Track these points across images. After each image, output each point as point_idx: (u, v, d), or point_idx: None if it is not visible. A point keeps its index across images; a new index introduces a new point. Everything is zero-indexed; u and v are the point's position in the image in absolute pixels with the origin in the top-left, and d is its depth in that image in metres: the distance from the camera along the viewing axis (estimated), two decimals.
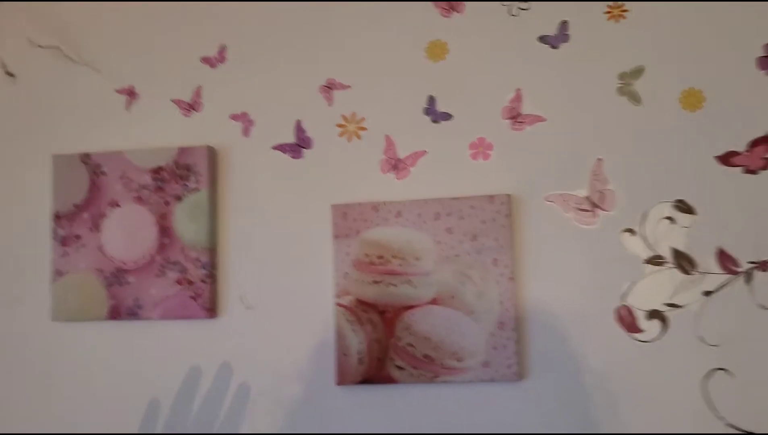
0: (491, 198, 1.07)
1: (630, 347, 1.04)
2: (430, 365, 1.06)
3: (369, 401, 1.09)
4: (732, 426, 1.00)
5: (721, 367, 1.01)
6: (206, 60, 1.20)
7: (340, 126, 1.16)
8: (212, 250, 1.14)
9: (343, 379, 1.08)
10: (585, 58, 1.10)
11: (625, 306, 1.05)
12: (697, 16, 1.08)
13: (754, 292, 1.01)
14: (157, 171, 1.16)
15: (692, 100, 1.06)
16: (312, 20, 1.18)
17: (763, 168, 1.04)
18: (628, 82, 1.08)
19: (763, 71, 1.05)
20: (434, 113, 1.13)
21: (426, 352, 1.06)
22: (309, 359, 1.11)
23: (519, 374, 1.04)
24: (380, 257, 1.09)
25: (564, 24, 1.11)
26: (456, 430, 1.06)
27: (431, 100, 1.14)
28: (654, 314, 1.04)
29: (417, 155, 1.13)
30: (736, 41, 1.06)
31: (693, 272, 1.03)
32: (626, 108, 1.08)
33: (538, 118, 1.10)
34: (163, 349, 1.15)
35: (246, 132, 1.18)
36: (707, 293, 1.03)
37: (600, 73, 1.09)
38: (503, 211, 1.07)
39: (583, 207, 1.08)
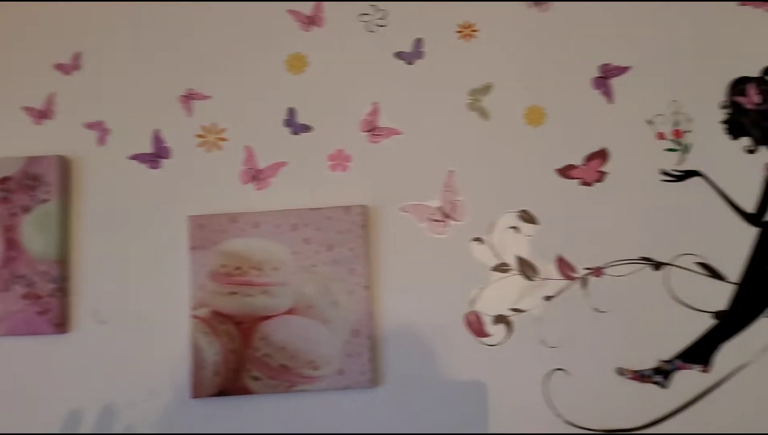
0: (347, 209, 1.10)
1: (478, 351, 1.09)
2: (286, 375, 1.07)
3: (225, 413, 1.08)
4: (569, 423, 1.07)
5: (559, 367, 1.08)
6: (60, 67, 1.16)
7: (199, 136, 1.15)
8: (63, 262, 1.10)
9: (198, 391, 1.07)
10: (438, 74, 1.15)
11: (473, 312, 1.10)
12: (540, 39, 1.15)
13: (590, 296, 1.09)
14: (2, 181, 1.11)
15: (535, 116, 1.13)
16: (172, 29, 1.17)
17: (598, 180, 1.12)
18: (477, 99, 1.14)
19: (598, 90, 1.13)
20: (294, 125, 1.15)
21: (282, 361, 1.07)
22: (164, 373, 1.09)
23: (373, 381, 1.07)
24: (238, 268, 1.09)
25: (419, 41, 1.16)
26: None
27: (291, 112, 1.15)
28: (500, 319, 1.09)
29: (277, 166, 1.14)
30: (574, 62, 1.14)
31: (535, 278, 1.10)
32: (476, 123, 1.14)
33: (394, 131, 1.14)
34: (8, 368, 1.10)
35: (101, 141, 1.15)
36: (548, 298, 1.09)
37: (452, 89, 1.14)
38: (359, 221, 1.09)
39: (435, 217, 1.12)
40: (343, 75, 1.16)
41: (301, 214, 1.10)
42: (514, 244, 1.11)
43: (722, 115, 1.12)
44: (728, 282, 1.08)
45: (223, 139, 1.15)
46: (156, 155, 1.14)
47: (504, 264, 1.10)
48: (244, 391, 1.07)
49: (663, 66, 1.13)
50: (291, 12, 1.17)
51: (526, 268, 1.10)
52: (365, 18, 1.17)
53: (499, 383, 1.08)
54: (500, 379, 1.08)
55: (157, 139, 1.15)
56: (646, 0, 1.14)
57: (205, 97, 1.16)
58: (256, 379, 1.07)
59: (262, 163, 1.14)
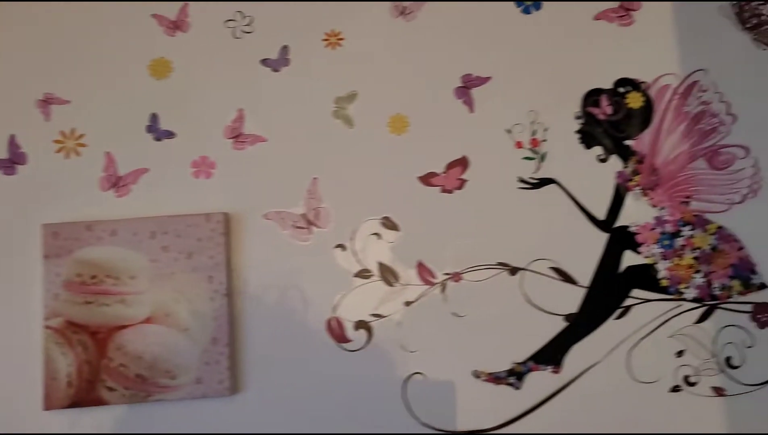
0: (208, 216, 1.09)
1: (340, 357, 1.10)
2: (142, 385, 1.05)
3: (78, 425, 1.06)
4: (426, 425, 1.09)
5: (418, 371, 1.10)
6: None
7: (57, 142, 1.12)
8: None
9: (50, 403, 1.04)
10: (304, 82, 1.15)
11: (335, 318, 1.11)
12: (405, 49, 1.17)
13: (448, 301, 1.11)
14: None
15: (398, 124, 1.15)
16: (29, 30, 1.14)
17: (458, 188, 1.14)
18: (342, 106, 1.15)
19: (459, 100, 1.16)
20: (157, 131, 1.13)
21: (139, 371, 1.06)
22: (15, 385, 1.06)
23: (232, 389, 1.07)
24: (93, 277, 1.07)
25: (285, 48, 1.16)
26: None
27: (154, 117, 1.13)
28: (361, 324, 1.11)
29: (138, 173, 1.12)
30: (438, 72, 1.16)
31: (396, 284, 1.12)
32: (340, 130, 1.15)
33: (259, 138, 1.14)
34: None
35: None
36: (408, 303, 1.11)
37: (317, 97, 1.15)
38: (219, 229, 1.09)
39: (299, 224, 1.12)
40: (208, 81, 1.15)
41: (159, 221, 1.09)
42: (376, 251, 1.12)
43: (577, 125, 1.16)
44: (579, 286, 1.12)
45: (82, 145, 1.12)
46: (11, 161, 1.11)
47: (366, 270, 1.12)
48: (99, 402, 1.05)
49: (521, 77, 1.17)
50: (155, 16, 1.16)
51: (388, 274, 1.12)
52: (231, 24, 1.16)
53: (360, 388, 1.09)
54: (361, 383, 1.09)
55: (13, 145, 1.11)
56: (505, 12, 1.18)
57: (65, 102, 1.13)
58: (112, 389, 1.05)
59: (122, 170, 1.12)
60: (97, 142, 1.12)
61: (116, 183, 1.12)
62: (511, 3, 1.18)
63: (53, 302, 1.06)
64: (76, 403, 1.05)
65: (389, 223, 1.13)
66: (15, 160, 1.11)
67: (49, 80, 1.13)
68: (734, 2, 1.19)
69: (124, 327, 1.06)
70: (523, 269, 1.12)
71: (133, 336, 1.06)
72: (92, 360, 1.05)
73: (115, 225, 1.08)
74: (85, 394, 1.05)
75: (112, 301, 1.07)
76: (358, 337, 1.10)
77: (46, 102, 1.13)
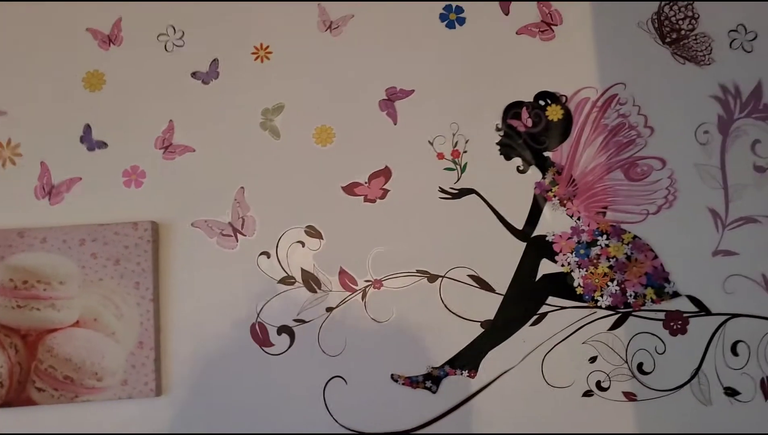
0: (135, 224, 1.13)
1: (263, 360, 1.14)
2: (70, 386, 1.10)
3: (8, 425, 1.10)
4: (345, 427, 1.13)
5: (338, 374, 1.14)
6: None
7: None
8: None
9: None
10: (232, 94, 1.19)
11: (259, 323, 1.15)
12: (331, 62, 1.20)
13: (368, 307, 1.15)
14: None
15: (324, 135, 1.19)
16: None
17: (381, 197, 1.18)
18: (269, 118, 1.19)
19: (383, 112, 1.20)
20: (90, 141, 1.18)
21: (67, 373, 1.10)
22: None
23: (157, 391, 1.11)
24: (25, 282, 1.11)
25: (215, 62, 1.20)
26: None
27: (87, 128, 1.18)
28: (283, 329, 1.15)
29: (72, 182, 1.17)
30: (363, 85, 1.20)
31: (318, 291, 1.16)
32: (267, 141, 1.19)
33: (188, 149, 1.18)
34: None
35: None
36: (329, 309, 1.15)
37: (245, 109, 1.19)
38: (146, 236, 1.13)
39: (225, 232, 1.17)
40: (140, 93, 1.19)
41: (89, 229, 1.13)
42: (300, 258, 1.16)
43: (497, 137, 1.20)
44: (497, 293, 1.16)
45: (18, 155, 1.17)
46: None
47: (289, 277, 1.16)
48: (29, 402, 1.10)
49: (444, 90, 1.20)
50: (90, 30, 1.20)
51: (310, 281, 1.16)
52: (163, 38, 1.20)
53: (282, 391, 1.13)
54: (283, 387, 1.13)
55: None
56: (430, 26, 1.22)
57: (1, 113, 1.17)
58: (41, 390, 1.10)
59: (56, 179, 1.17)
60: (33, 152, 1.17)
61: (50, 191, 1.16)
62: (436, 18, 1.22)
63: None
64: (7, 403, 1.09)
65: (313, 232, 1.17)
66: None
67: None
68: (654, 17, 1.22)
69: (54, 330, 1.11)
70: (442, 277, 1.16)
71: (63, 339, 1.11)
72: (23, 362, 1.10)
73: (46, 232, 1.12)
74: (16, 395, 1.10)
75: (43, 305, 1.11)
76: (281, 341, 1.14)
77: None
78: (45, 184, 1.16)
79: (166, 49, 1.20)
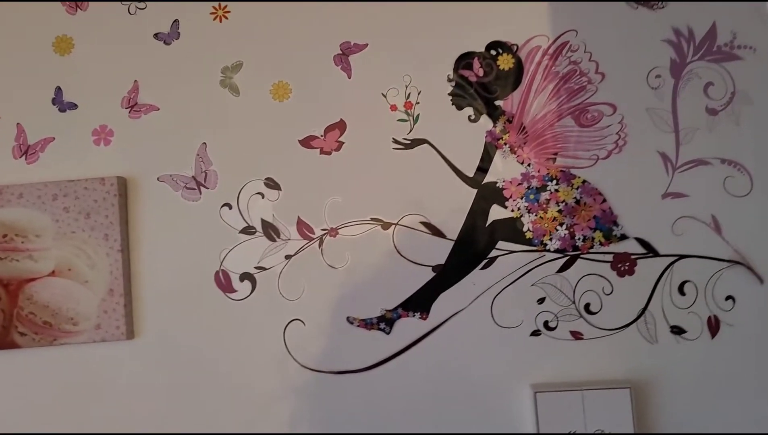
0: (102, 180, 1.20)
1: (226, 306, 1.21)
2: (49, 330, 1.19)
3: None
4: (304, 366, 1.20)
5: (297, 318, 1.20)
6: None
7: None
8: None
9: None
10: (193, 53, 1.24)
11: (223, 270, 1.22)
12: (287, 19, 1.24)
13: (325, 254, 1.21)
14: None
15: (281, 91, 1.23)
16: None
17: (336, 150, 1.22)
18: (229, 76, 1.24)
19: (338, 66, 1.23)
20: (61, 103, 1.24)
21: (46, 318, 1.19)
22: None
23: (128, 334, 1.19)
24: (4, 236, 1.20)
25: (176, 23, 1.25)
26: (74, 385, 1.20)
27: (58, 90, 1.25)
28: (245, 276, 1.21)
29: (46, 141, 1.24)
30: (317, 41, 1.24)
31: (278, 239, 1.21)
32: (227, 98, 1.24)
33: (153, 107, 1.24)
34: None
35: None
36: (288, 257, 1.21)
37: (206, 67, 1.24)
38: (113, 191, 1.20)
39: (189, 185, 1.23)
40: (107, 55, 1.25)
41: (61, 185, 1.21)
42: (260, 209, 1.22)
43: (449, 87, 1.22)
44: (448, 239, 1.20)
45: None
46: None
47: (250, 227, 1.22)
48: (13, 345, 1.19)
49: (397, 44, 1.23)
50: None
51: (270, 230, 1.22)
52: (126, 2, 1.26)
53: (245, 334, 1.20)
54: (245, 330, 1.20)
55: None
56: None
57: None
58: (23, 334, 1.19)
59: (31, 139, 1.24)
60: (9, 114, 1.24)
61: (26, 151, 1.24)
62: None
63: None
64: None
65: (272, 183, 1.22)
66: None
67: None
68: None
69: (32, 279, 1.19)
70: (395, 224, 1.21)
71: (41, 287, 1.19)
72: (6, 308, 1.19)
73: (21, 189, 1.20)
74: (1, 339, 1.19)
75: (22, 256, 1.20)
76: (243, 287, 1.21)
77: None
78: (21, 145, 1.24)
79: (129, 12, 1.25)
